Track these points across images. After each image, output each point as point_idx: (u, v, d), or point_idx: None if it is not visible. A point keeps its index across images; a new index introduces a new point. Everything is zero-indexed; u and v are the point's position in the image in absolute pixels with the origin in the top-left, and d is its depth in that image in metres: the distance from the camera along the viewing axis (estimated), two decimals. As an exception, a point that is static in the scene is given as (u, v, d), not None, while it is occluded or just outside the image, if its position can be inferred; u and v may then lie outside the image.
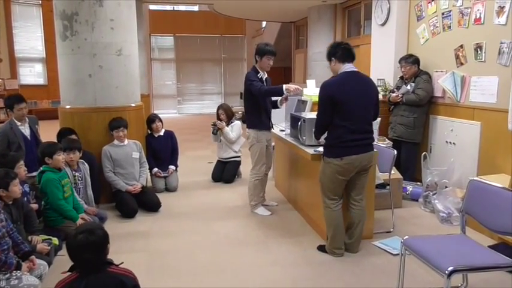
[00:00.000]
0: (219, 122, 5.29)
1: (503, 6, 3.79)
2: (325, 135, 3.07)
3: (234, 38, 14.75)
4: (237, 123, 5.40)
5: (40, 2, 11.46)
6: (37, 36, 12.19)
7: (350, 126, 2.89)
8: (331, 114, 2.90)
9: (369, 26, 6.54)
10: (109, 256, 1.99)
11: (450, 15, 4.50)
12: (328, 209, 3.08)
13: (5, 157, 3.19)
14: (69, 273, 1.90)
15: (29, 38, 12.16)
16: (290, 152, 4.24)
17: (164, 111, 14.11)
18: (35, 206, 3.34)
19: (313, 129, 3.15)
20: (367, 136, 3.02)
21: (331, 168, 2.97)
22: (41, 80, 12.44)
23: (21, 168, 3.20)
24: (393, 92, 4.84)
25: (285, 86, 3.67)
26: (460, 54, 4.37)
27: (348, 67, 3.00)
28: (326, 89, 2.94)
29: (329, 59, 3.10)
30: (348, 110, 2.88)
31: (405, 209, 4.18)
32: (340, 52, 3.01)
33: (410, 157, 4.72)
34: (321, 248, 3.23)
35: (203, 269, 3.01)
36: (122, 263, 2.05)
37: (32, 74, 12.42)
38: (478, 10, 4.11)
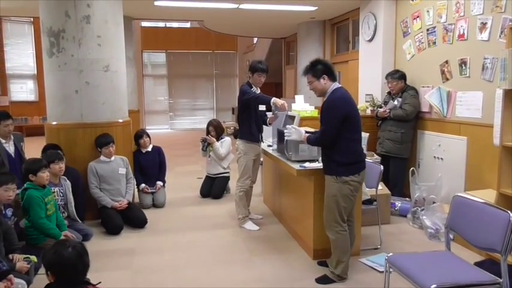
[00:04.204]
0: (209, 137, 5.27)
1: (486, 23, 3.86)
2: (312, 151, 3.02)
3: (226, 54, 14.86)
4: (227, 140, 5.38)
5: (32, 19, 11.51)
6: (28, 53, 12.21)
7: (358, 138, 2.90)
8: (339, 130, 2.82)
9: (357, 42, 6.62)
10: (92, 274, 1.96)
11: (435, 31, 4.57)
12: (344, 233, 2.90)
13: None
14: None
15: (21, 55, 12.19)
16: (277, 167, 4.23)
17: (156, 127, 14.12)
18: None
19: (317, 141, 2.96)
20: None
21: (349, 186, 2.83)
22: (32, 97, 12.41)
23: (8, 191, 3.12)
24: (381, 107, 4.87)
25: (272, 100, 3.70)
26: (446, 69, 4.42)
27: (337, 84, 2.96)
28: (342, 106, 2.82)
29: (320, 76, 2.91)
30: (357, 122, 2.88)
31: (393, 225, 4.15)
32: (331, 71, 2.94)
33: (399, 172, 4.71)
34: (324, 280, 2.97)
35: (187, 287, 2.95)
36: (100, 282, 2.01)
37: (23, 91, 12.39)
38: (461, 26, 4.18)
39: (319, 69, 2.92)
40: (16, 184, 3.23)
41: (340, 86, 2.97)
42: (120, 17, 4.48)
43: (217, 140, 5.31)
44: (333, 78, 2.94)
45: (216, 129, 5.34)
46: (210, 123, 5.43)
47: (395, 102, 4.63)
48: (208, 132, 5.36)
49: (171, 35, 14.21)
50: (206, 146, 5.29)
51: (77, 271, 1.87)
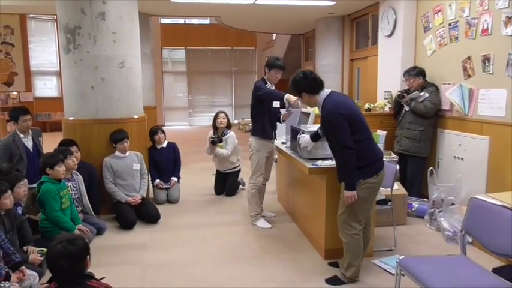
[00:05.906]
0: (213, 145, 5.16)
1: (511, 17, 3.68)
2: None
3: (245, 51, 14.83)
4: (231, 134, 5.25)
5: (55, 17, 11.74)
6: (52, 50, 12.49)
7: (368, 136, 2.79)
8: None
9: (376, 37, 6.46)
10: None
11: (457, 26, 4.40)
12: (357, 236, 2.81)
13: (7, 175, 3.21)
14: (48, 284, 1.90)
15: (45, 52, 12.49)
16: (290, 164, 4.17)
17: (175, 123, 14.26)
18: None
19: (345, 165, 2.73)
20: None
21: (367, 189, 2.75)
22: (55, 93, 12.70)
23: (21, 188, 3.18)
24: (403, 96, 4.63)
25: (286, 96, 3.64)
26: (468, 66, 4.25)
27: (326, 91, 2.83)
28: (337, 111, 2.69)
29: (300, 94, 2.88)
30: (360, 121, 2.76)
31: (410, 226, 4.03)
32: (311, 85, 2.82)
33: (417, 172, 4.57)
34: (334, 281, 2.91)
35: (195, 285, 2.93)
36: (103, 277, 2.02)
37: (46, 87, 12.72)
38: (485, 21, 4.00)
39: (296, 88, 2.90)
40: (24, 178, 3.30)
41: (329, 92, 2.83)
42: (135, 14, 4.50)
43: (222, 135, 5.22)
44: (314, 91, 2.82)
45: (227, 117, 5.26)
46: (220, 111, 5.28)
47: (422, 94, 4.45)
48: (215, 123, 5.25)
49: (190, 31, 14.27)
50: (218, 140, 5.16)
51: (59, 269, 1.85)
